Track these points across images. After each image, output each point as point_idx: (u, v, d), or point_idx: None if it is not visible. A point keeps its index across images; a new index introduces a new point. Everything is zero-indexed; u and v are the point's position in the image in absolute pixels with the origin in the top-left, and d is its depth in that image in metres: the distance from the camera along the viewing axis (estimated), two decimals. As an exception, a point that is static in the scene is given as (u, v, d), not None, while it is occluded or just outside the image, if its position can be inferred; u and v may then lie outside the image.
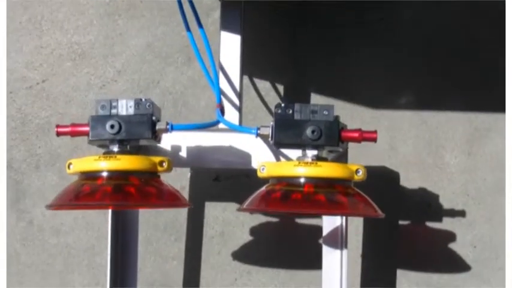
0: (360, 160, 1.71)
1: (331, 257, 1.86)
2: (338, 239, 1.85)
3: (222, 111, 1.80)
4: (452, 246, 2.10)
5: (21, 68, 2.18)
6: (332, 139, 1.60)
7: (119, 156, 1.60)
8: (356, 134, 1.62)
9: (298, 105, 1.62)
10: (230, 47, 1.94)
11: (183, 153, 1.81)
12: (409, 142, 2.13)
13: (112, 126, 1.61)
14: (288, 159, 1.76)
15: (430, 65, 2.15)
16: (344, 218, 1.84)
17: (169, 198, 1.66)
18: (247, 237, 2.12)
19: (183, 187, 2.09)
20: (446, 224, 2.11)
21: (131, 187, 1.59)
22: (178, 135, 1.79)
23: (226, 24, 1.93)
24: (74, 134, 1.65)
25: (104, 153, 1.63)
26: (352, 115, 2.10)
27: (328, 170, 1.59)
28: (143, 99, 1.63)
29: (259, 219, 2.11)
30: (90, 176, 1.62)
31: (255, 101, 2.15)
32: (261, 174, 1.65)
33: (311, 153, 1.62)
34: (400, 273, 2.10)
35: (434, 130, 2.13)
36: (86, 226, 2.14)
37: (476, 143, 2.13)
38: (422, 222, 2.10)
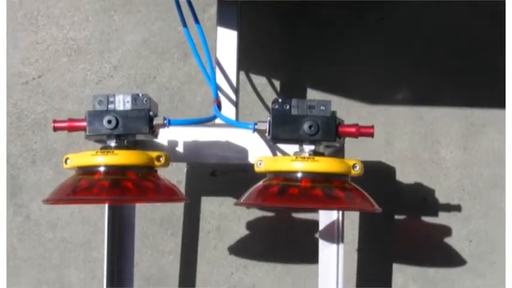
0: (356, 155, 1.72)
1: (327, 251, 1.87)
2: (334, 234, 1.86)
3: (219, 107, 1.80)
4: (448, 240, 2.11)
5: (17, 64, 2.18)
6: (329, 134, 1.61)
7: (116, 151, 1.60)
8: (353, 129, 1.62)
9: (296, 100, 1.62)
10: (227, 43, 1.94)
11: (180, 148, 1.82)
12: (405, 137, 2.14)
13: (109, 122, 1.61)
14: (284, 154, 1.77)
15: (426, 61, 2.15)
16: (340, 212, 1.84)
17: (167, 193, 1.66)
18: (243, 232, 2.12)
19: (180, 182, 2.09)
20: (442, 218, 2.11)
21: (128, 182, 1.60)
22: (175, 130, 1.80)
23: (223, 19, 1.93)
24: (71, 129, 1.65)
25: (101, 148, 1.63)
26: (348, 111, 2.11)
27: (326, 165, 1.60)
28: (140, 95, 1.63)
29: (256, 213, 2.11)
30: (88, 170, 1.62)
31: (251, 96, 2.15)
32: (258, 169, 1.66)
33: (308, 148, 1.63)
34: (396, 267, 2.11)
35: (430, 125, 2.14)
36: (82, 221, 2.14)
37: (472, 138, 2.13)
38: (418, 216, 2.11)
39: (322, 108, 1.62)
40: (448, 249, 2.11)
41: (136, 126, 1.61)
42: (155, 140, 1.76)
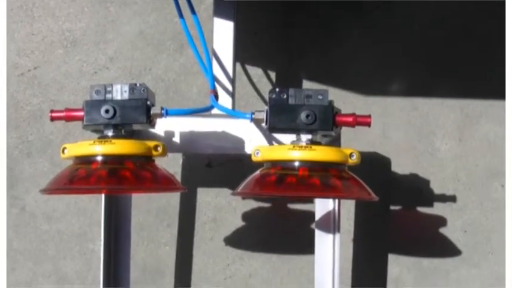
0: (352, 146, 1.72)
1: (323, 241, 1.88)
2: (330, 223, 1.87)
3: (216, 97, 1.80)
4: (443, 231, 2.12)
5: (12, 55, 2.18)
6: (326, 123, 1.61)
7: (113, 141, 1.60)
8: (350, 119, 1.63)
9: (293, 90, 1.63)
10: (223, 34, 1.94)
11: (176, 139, 1.82)
12: (401, 128, 2.14)
13: (107, 111, 1.61)
14: (281, 144, 1.77)
15: (422, 52, 2.16)
16: (337, 202, 1.85)
17: (164, 182, 1.67)
18: (239, 223, 2.13)
19: (176, 173, 2.09)
20: (437, 209, 2.12)
21: (126, 171, 1.60)
22: (172, 121, 1.80)
23: (219, 10, 1.94)
24: (68, 119, 1.65)
25: (99, 138, 1.63)
26: (344, 102, 2.11)
27: (323, 153, 1.60)
28: (138, 84, 1.63)
29: (251, 204, 2.12)
30: (85, 160, 1.62)
31: (247, 87, 2.16)
32: (256, 158, 1.66)
33: (305, 137, 1.63)
34: (391, 257, 2.12)
35: (425, 117, 2.15)
36: (78, 212, 2.14)
37: (467, 130, 2.14)
38: (414, 207, 2.12)
39: (320, 97, 1.62)
40: (443, 239, 2.12)
41: (133, 115, 1.61)
42: (152, 130, 1.76)
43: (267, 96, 1.67)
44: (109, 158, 1.61)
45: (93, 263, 2.12)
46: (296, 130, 1.63)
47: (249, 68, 2.17)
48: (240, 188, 1.66)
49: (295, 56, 2.16)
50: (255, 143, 1.77)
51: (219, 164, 2.13)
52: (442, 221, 2.12)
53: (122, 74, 2.16)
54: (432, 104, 2.15)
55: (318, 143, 1.63)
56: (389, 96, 2.15)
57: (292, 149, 1.61)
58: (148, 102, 1.62)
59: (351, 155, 1.63)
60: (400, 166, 2.13)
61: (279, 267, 2.12)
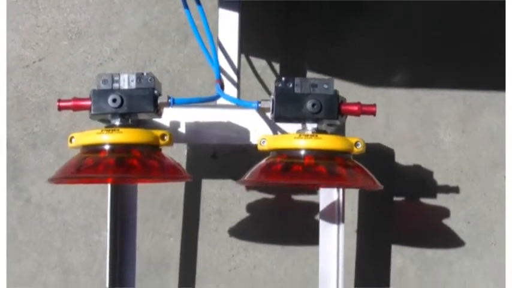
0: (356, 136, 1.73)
1: (328, 231, 1.89)
2: (335, 214, 1.88)
3: (222, 87, 1.81)
4: (446, 221, 2.13)
5: (17, 47, 2.19)
6: (332, 112, 1.62)
7: (121, 130, 1.61)
8: (355, 108, 1.64)
9: (299, 79, 1.64)
10: (228, 24, 1.94)
11: (182, 129, 1.83)
12: (404, 120, 2.16)
13: (114, 100, 1.62)
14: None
15: (425, 43, 2.17)
16: (341, 192, 1.86)
17: (171, 171, 1.68)
18: (244, 214, 2.14)
19: (180, 164, 2.09)
20: (441, 200, 2.13)
21: (134, 160, 1.61)
22: (177, 111, 1.81)
23: (225, 1, 1.94)
24: (75, 108, 1.66)
25: (106, 127, 1.64)
26: (347, 93, 2.09)
27: (329, 142, 1.61)
28: (145, 74, 1.64)
29: (256, 196, 2.12)
30: (93, 149, 1.63)
31: (252, 79, 2.17)
32: (262, 147, 1.67)
33: (311, 126, 1.64)
34: (394, 248, 2.12)
35: (428, 108, 2.16)
36: (83, 204, 2.14)
37: (470, 121, 2.15)
38: (417, 198, 2.12)
39: (325, 86, 1.63)
40: (446, 230, 2.13)
41: (141, 104, 1.62)
42: (157, 120, 1.77)
43: (271, 88, 1.68)
44: (116, 147, 1.61)
45: (98, 254, 2.13)
46: (302, 119, 1.64)
47: (253, 59, 2.17)
48: (245, 177, 1.67)
49: (299, 47, 2.16)
50: (260, 133, 1.78)
51: (223, 155, 2.14)
52: (445, 212, 2.13)
53: (126, 66, 2.16)
54: (435, 95, 2.16)
55: (324, 132, 1.64)
56: (393, 88, 2.16)
57: (298, 137, 1.62)
58: (156, 92, 1.63)
59: (356, 144, 1.64)
60: (404, 157, 2.15)
61: (284, 258, 2.13)
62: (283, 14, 2.17)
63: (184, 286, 2.12)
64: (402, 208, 2.14)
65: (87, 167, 1.61)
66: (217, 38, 1.94)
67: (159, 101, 1.64)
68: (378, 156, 2.12)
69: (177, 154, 2.09)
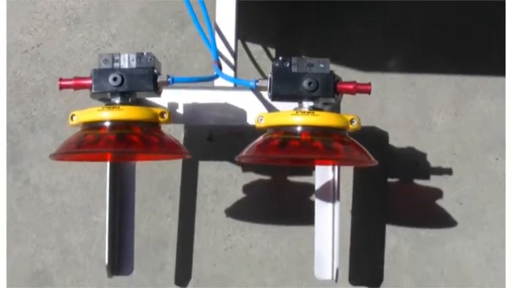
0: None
1: (323, 210, 1.93)
2: (330, 193, 1.92)
3: (220, 67, 1.84)
4: (440, 202, 2.16)
5: (16, 33, 2.22)
6: (328, 90, 1.66)
7: (121, 107, 1.64)
8: (351, 86, 1.67)
9: (296, 58, 1.68)
10: (225, 9, 1.97)
11: (180, 110, 1.86)
12: (398, 103, 2.19)
13: (115, 79, 1.65)
14: (283, 113, 1.81)
15: (419, 29, 2.21)
16: (336, 171, 1.89)
17: (171, 147, 1.71)
18: (240, 195, 2.17)
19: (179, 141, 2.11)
20: (434, 181, 2.17)
21: (134, 136, 1.64)
22: (175, 93, 1.84)
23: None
24: (76, 87, 1.69)
25: (107, 105, 1.67)
26: (342, 77, 2.13)
27: (325, 118, 1.65)
28: (145, 53, 1.67)
29: (252, 177, 2.15)
30: (93, 126, 1.66)
31: (248, 64, 2.20)
32: (259, 124, 1.70)
33: (307, 104, 1.67)
34: (388, 228, 2.16)
35: (422, 92, 2.19)
36: (81, 186, 2.17)
37: (463, 104, 2.19)
38: (411, 180, 2.16)
39: (321, 66, 1.67)
40: (439, 210, 2.16)
41: (141, 83, 1.65)
42: (156, 101, 1.80)
43: (267, 73, 1.71)
44: (117, 124, 1.64)
45: (96, 235, 2.16)
46: (298, 97, 1.68)
47: (249, 45, 2.20)
48: (244, 153, 1.71)
49: (295, 32, 2.19)
50: (257, 114, 1.80)
51: (220, 137, 2.16)
52: (438, 193, 2.16)
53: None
54: (429, 80, 2.20)
55: (320, 110, 1.67)
56: (388, 73, 2.19)
57: (295, 114, 1.65)
58: (155, 71, 1.66)
59: (351, 121, 1.68)
60: (398, 140, 2.18)
61: (279, 237, 2.16)
62: (282, 3, 2.19)
63: (181, 265, 2.15)
64: (396, 189, 2.17)
65: (88, 142, 1.64)
66: (215, 22, 1.95)
67: (158, 80, 1.67)
68: (373, 139, 2.14)
69: (174, 136, 2.10)
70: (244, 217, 2.16)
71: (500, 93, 2.16)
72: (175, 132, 2.13)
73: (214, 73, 1.81)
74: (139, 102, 1.74)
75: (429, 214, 2.17)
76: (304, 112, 1.65)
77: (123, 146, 1.64)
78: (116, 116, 1.63)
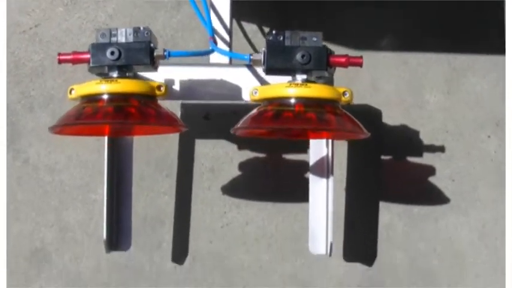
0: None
1: (317, 185, 1.96)
2: (324, 168, 1.95)
3: (215, 43, 1.87)
4: (432, 179, 2.19)
5: (14, 14, 2.23)
6: (321, 63, 1.69)
7: (119, 80, 1.67)
8: (343, 59, 1.70)
9: (289, 32, 1.71)
10: (221, -13, 1.99)
11: (176, 87, 1.89)
12: (391, 82, 2.21)
13: (112, 53, 1.69)
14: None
15: (411, 7, 2.23)
16: (330, 147, 1.92)
17: (168, 119, 1.74)
18: (235, 173, 2.19)
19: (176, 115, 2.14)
20: (427, 158, 2.19)
21: (132, 108, 1.67)
22: (172, 70, 1.87)
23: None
24: (75, 61, 1.72)
25: (104, 78, 1.70)
26: (336, 56, 2.17)
27: (318, 90, 1.68)
28: (141, 28, 1.70)
29: (248, 155, 2.18)
30: (92, 99, 1.69)
31: (243, 41, 2.23)
32: (254, 97, 1.73)
33: (300, 77, 1.71)
34: (382, 205, 2.19)
35: (414, 71, 2.22)
36: (79, 164, 2.19)
37: (454, 83, 2.21)
38: (404, 157, 2.18)
39: (314, 39, 1.70)
40: (432, 187, 2.19)
41: (138, 57, 1.69)
42: (152, 78, 1.83)
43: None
44: (115, 96, 1.68)
45: (94, 212, 2.18)
46: (292, 71, 1.71)
47: (244, 24, 2.23)
48: (238, 125, 1.74)
49: (288, 11, 2.22)
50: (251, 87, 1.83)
51: (216, 116, 2.18)
52: (431, 170, 2.19)
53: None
54: (421, 58, 2.22)
55: (313, 83, 1.70)
56: (380, 52, 2.22)
57: (289, 86, 1.68)
58: (152, 45, 1.69)
59: (344, 93, 1.71)
60: (391, 118, 2.21)
61: (274, 215, 2.19)
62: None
63: (178, 242, 2.18)
64: (389, 167, 2.20)
65: (87, 115, 1.67)
66: (210, 0, 1.98)
67: (155, 54, 1.70)
68: (366, 117, 2.16)
69: (171, 114, 2.14)
70: (240, 195, 2.19)
71: (491, 71, 2.19)
72: (173, 110, 2.14)
73: (210, 48, 1.83)
74: (136, 77, 1.76)
75: (422, 191, 2.20)
76: (298, 84, 1.68)
77: (121, 118, 1.67)
78: (113, 88, 1.66)
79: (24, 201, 2.20)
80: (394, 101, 2.22)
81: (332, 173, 1.92)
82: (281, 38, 1.70)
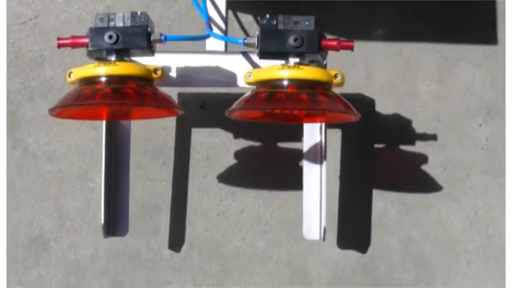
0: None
1: (311, 171, 1.99)
2: (318, 154, 1.98)
3: (211, 29, 1.91)
4: (425, 167, 2.22)
5: (14, 5, 2.27)
6: (313, 46, 1.73)
7: (117, 63, 1.71)
8: (334, 43, 1.74)
9: (282, 16, 1.75)
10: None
11: (173, 74, 1.92)
12: (384, 71, 2.25)
13: (110, 37, 1.72)
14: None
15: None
16: (323, 133, 1.95)
17: (165, 101, 1.78)
18: (231, 161, 2.22)
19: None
20: (419, 147, 2.23)
21: (129, 89, 1.71)
22: (168, 57, 1.91)
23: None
24: (74, 45, 1.76)
25: (102, 61, 1.73)
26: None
27: (310, 72, 1.72)
28: (139, 13, 1.74)
29: (243, 143, 2.21)
30: (90, 81, 1.73)
31: (238, 32, 2.26)
32: (248, 80, 1.77)
33: (293, 60, 1.74)
34: (375, 193, 2.22)
35: (407, 60, 2.25)
36: (78, 153, 2.22)
37: (447, 72, 2.25)
38: (397, 145, 2.22)
39: (307, 23, 1.74)
40: (424, 175, 2.22)
41: (135, 41, 1.73)
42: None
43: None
44: (112, 79, 1.72)
45: (92, 201, 2.21)
46: (285, 54, 1.74)
47: (240, 15, 2.26)
48: (233, 107, 1.77)
49: (283, 4, 2.24)
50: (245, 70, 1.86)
51: (212, 106, 2.21)
52: (423, 158, 2.22)
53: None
54: (414, 48, 2.25)
55: (305, 65, 1.74)
56: (373, 41, 2.25)
57: (282, 68, 1.72)
58: (149, 29, 1.73)
59: (335, 76, 1.75)
60: (384, 106, 2.24)
61: (270, 202, 2.22)
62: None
63: (175, 230, 2.21)
64: (383, 155, 2.23)
65: (85, 96, 1.71)
66: (207, -12, 2.02)
67: (152, 38, 1.74)
68: (360, 105, 2.18)
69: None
70: (236, 182, 2.22)
71: (482, 61, 2.22)
72: (169, 100, 2.18)
73: (206, 33, 1.87)
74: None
75: (415, 179, 2.23)
76: (290, 66, 1.71)
77: (119, 98, 1.70)
78: (111, 71, 1.70)
79: (23, 190, 2.23)
80: (387, 90, 2.25)
81: (325, 159, 1.96)
82: (274, 22, 1.73)
